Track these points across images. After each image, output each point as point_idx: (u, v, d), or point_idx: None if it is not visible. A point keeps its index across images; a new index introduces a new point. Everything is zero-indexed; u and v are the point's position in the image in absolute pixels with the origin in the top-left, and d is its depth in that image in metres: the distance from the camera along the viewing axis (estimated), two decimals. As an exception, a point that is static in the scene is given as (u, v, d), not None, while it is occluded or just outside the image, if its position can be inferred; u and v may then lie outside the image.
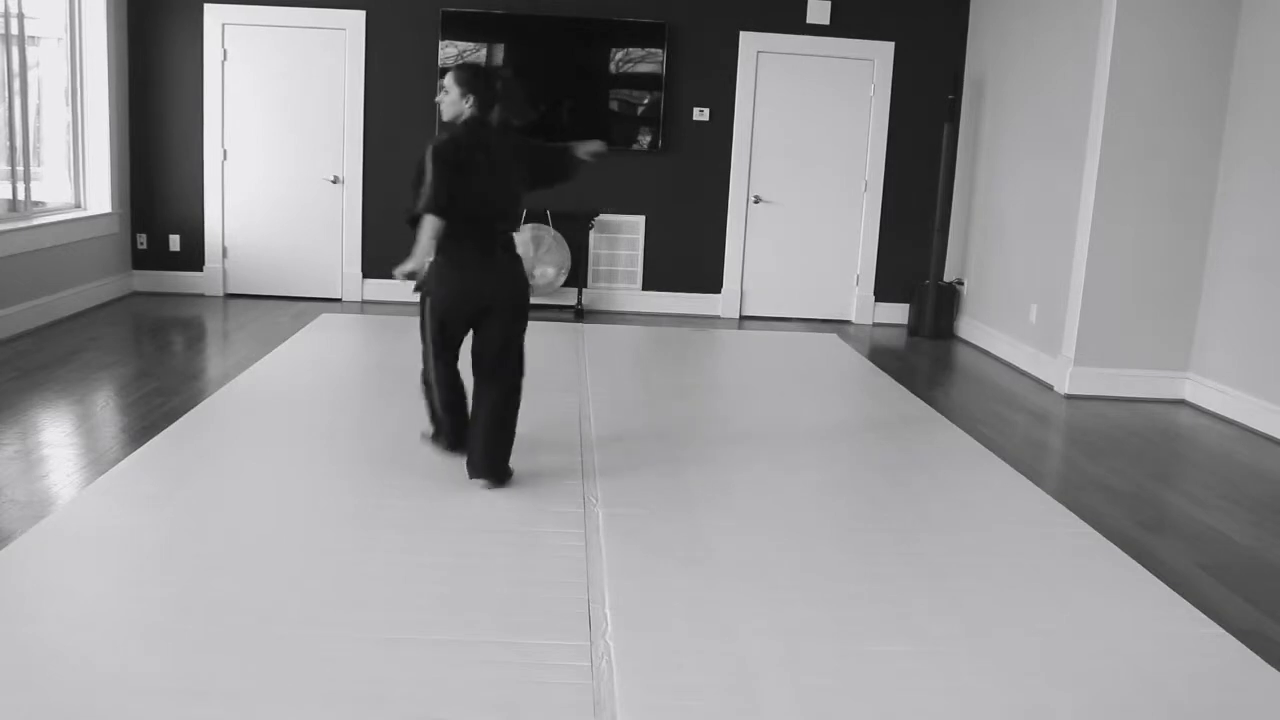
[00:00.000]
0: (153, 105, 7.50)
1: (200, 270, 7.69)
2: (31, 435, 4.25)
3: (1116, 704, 2.48)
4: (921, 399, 5.47)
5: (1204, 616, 2.97)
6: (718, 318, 7.94)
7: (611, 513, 3.52)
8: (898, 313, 7.98)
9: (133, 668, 2.41)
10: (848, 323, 7.98)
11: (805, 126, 7.84)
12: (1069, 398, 5.82)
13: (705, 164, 7.80)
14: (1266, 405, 5.18)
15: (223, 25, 7.43)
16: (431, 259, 3.74)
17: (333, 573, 2.97)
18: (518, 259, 3.82)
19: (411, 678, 2.41)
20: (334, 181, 7.65)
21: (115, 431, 4.34)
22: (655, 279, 7.95)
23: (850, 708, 2.39)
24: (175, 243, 7.67)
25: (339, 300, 7.76)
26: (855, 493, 3.93)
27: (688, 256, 7.93)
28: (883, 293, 8.00)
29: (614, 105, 7.73)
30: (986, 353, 7.03)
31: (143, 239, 7.65)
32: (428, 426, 4.05)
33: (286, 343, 6.03)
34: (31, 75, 6.64)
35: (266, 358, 5.62)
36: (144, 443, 4.07)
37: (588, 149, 3.90)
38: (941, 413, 5.22)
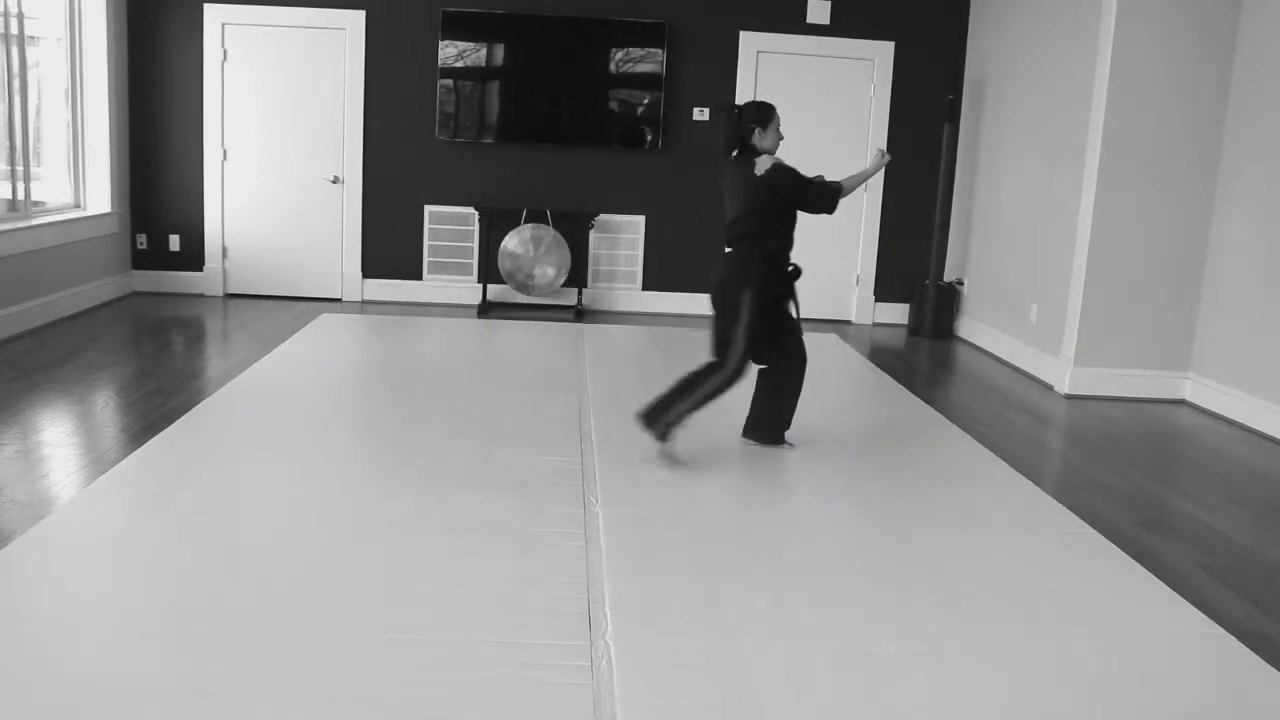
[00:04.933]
0: (153, 105, 7.50)
1: (200, 270, 7.69)
2: (31, 435, 4.25)
3: (1116, 704, 2.48)
4: (921, 399, 5.47)
5: (1204, 616, 2.97)
6: (718, 318, 7.93)
7: (611, 513, 3.52)
8: (898, 313, 7.98)
9: (133, 668, 2.41)
10: (848, 323, 7.98)
11: (805, 126, 7.82)
12: (1069, 398, 5.82)
13: (705, 164, 7.80)
14: (1266, 405, 5.18)
15: (223, 25, 7.43)
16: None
17: (333, 573, 2.97)
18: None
19: (411, 678, 2.41)
20: (334, 181, 7.65)
21: (115, 431, 4.34)
22: (655, 279, 7.95)
23: (850, 708, 2.39)
24: (175, 243, 7.67)
25: (339, 300, 7.76)
26: (855, 493, 3.93)
27: (688, 256, 7.93)
28: (883, 293, 8.00)
29: (614, 105, 7.73)
30: (986, 353, 7.03)
31: (143, 239, 7.65)
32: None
33: (286, 343, 6.03)
34: (31, 75, 6.64)
35: (266, 358, 5.62)
36: (144, 443, 4.07)
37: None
38: (941, 413, 5.21)
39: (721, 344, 4.12)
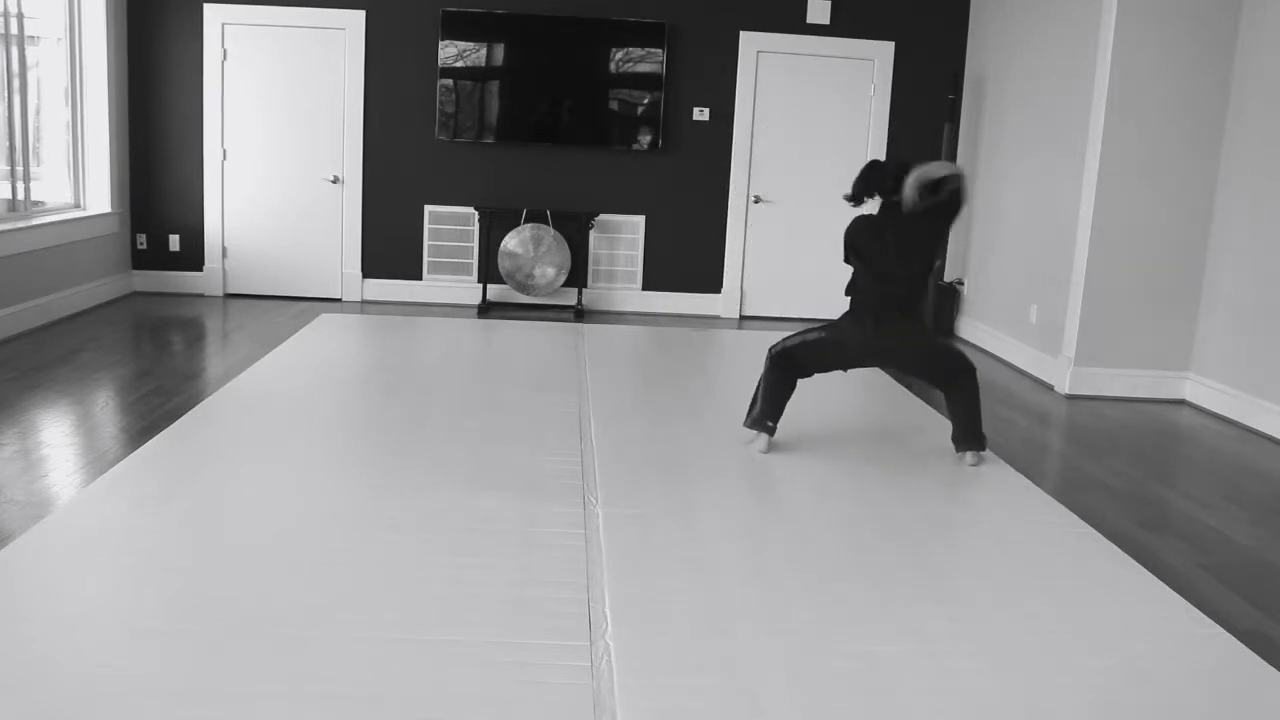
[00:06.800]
0: (153, 105, 7.50)
1: (200, 270, 7.69)
2: (31, 435, 4.25)
3: (1116, 704, 2.48)
4: (921, 399, 5.47)
5: (1204, 616, 2.96)
6: (718, 318, 7.94)
7: (611, 513, 3.52)
8: (898, 313, 7.97)
9: (132, 668, 2.40)
10: (848, 323, 7.97)
11: (805, 126, 7.84)
12: (1069, 398, 5.82)
13: (705, 164, 7.80)
14: (1266, 405, 5.18)
15: (223, 25, 7.43)
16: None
17: (332, 573, 2.97)
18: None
19: (411, 678, 2.41)
20: (334, 181, 7.66)
21: (115, 431, 4.34)
22: (655, 279, 7.95)
23: (850, 708, 2.39)
24: (175, 243, 7.67)
25: (339, 300, 7.77)
26: (855, 492, 3.93)
27: (688, 256, 7.93)
28: (883, 293, 7.99)
29: (614, 105, 7.73)
30: (986, 353, 7.03)
31: (142, 239, 7.65)
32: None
33: (286, 343, 6.03)
34: (31, 75, 6.64)
35: (266, 358, 5.62)
36: (144, 443, 4.07)
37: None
38: (941, 412, 5.21)
39: (950, 357, 4.37)
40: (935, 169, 4.09)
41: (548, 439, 4.35)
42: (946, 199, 4.14)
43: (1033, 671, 2.60)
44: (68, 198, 7.07)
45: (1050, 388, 6.04)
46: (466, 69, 7.56)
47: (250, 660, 2.45)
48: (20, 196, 6.45)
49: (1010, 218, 6.97)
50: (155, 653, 2.47)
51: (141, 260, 7.67)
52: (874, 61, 7.76)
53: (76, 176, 7.11)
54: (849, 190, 4.19)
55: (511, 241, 7.59)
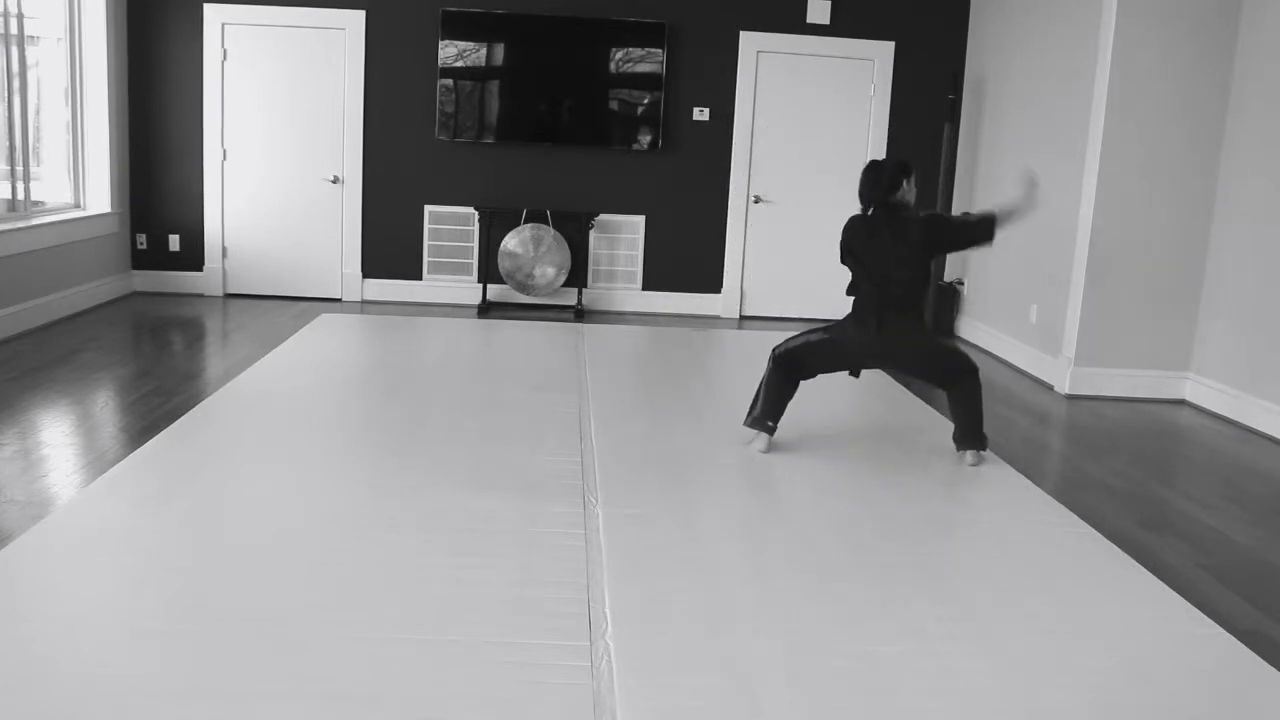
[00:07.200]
0: (153, 105, 7.50)
1: (200, 270, 7.69)
2: (31, 435, 4.25)
3: (1116, 704, 2.48)
4: (921, 399, 5.47)
5: (1204, 616, 2.96)
6: (718, 318, 7.94)
7: (611, 513, 3.52)
8: (898, 313, 7.96)
9: (132, 668, 2.40)
10: (848, 323, 7.97)
11: (805, 126, 7.84)
12: (1069, 398, 5.82)
13: (705, 164, 7.80)
14: (1266, 405, 5.18)
15: (223, 25, 7.43)
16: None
17: (332, 573, 2.97)
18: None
19: (411, 678, 2.41)
20: (334, 181, 7.66)
21: (115, 431, 4.34)
22: (655, 279, 7.95)
23: (850, 708, 2.39)
24: (175, 243, 7.67)
25: (339, 300, 7.77)
26: (855, 493, 3.93)
27: (688, 256, 7.93)
28: (883, 293, 7.99)
29: (614, 105, 7.73)
30: (987, 353, 7.03)
31: (142, 239, 7.65)
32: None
33: (286, 343, 6.03)
34: (31, 75, 6.64)
35: (266, 358, 5.62)
36: (144, 443, 4.07)
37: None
38: (941, 413, 5.21)
39: (952, 357, 4.38)
40: (1024, 210, 4.16)
41: (548, 439, 4.35)
42: (979, 232, 4.16)
43: (1033, 671, 2.60)
44: (68, 198, 7.07)
45: (1050, 388, 6.04)
46: (466, 69, 7.56)
47: (250, 660, 2.45)
48: (20, 196, 6.45)
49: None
50: (155, 653, 2.47)
51: (141, 260, 7.67)
52: (874, 61, 7.76)
53: (76, 176, 7.11)
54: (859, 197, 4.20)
55: (511, 241, 7.59)
